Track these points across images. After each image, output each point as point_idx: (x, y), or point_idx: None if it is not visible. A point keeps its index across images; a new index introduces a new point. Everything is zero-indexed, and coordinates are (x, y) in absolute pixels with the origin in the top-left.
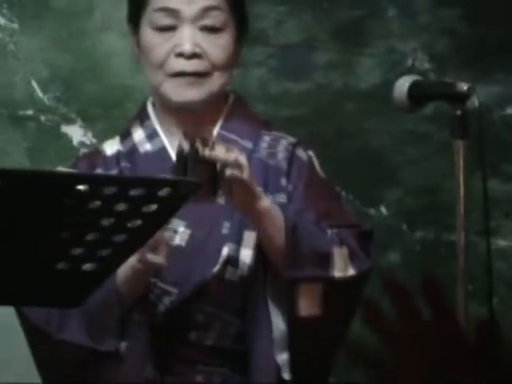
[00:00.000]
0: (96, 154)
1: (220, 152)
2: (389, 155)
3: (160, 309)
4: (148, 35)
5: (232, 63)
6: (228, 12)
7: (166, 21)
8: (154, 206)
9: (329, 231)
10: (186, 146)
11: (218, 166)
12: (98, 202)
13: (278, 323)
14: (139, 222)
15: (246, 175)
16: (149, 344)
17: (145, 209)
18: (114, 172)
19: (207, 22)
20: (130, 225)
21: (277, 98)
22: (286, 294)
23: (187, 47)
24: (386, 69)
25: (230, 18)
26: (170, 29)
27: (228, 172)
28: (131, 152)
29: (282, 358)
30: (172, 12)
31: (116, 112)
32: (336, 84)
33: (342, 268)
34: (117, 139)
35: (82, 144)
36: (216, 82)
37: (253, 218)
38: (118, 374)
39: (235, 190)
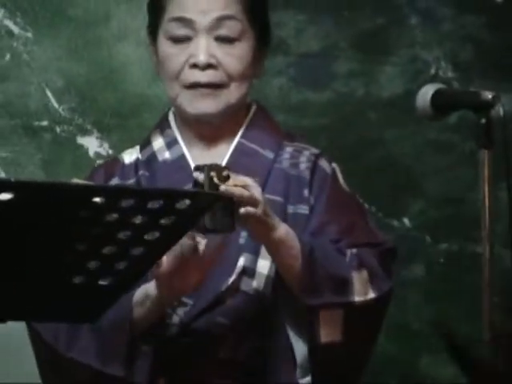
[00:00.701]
0: (114, 162)
1: (235, 188)
2: (412, 165)
3: (174, 320)
4: (164, 46)
5: (250, 74)
6: (246, 22)
7: (182, 31)
8: (172, 218)
9: (348, 252)
10: (200, 177)
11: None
12: (114, 215)
13: (299, 347)
14: (157, 234)
15: (260, 210)
16: (151, 375)
17: (163, 221)
18: (131, 180)
19: (222, 32)
20: (147, 237)
21: (297, 107)
22: (305, 320)
23: (201, 58)
24: (408, 77)
25: (248, 28)
26: (186, 40)
27: (242, 210)
28: (150, 160)
29: (305, 381)
30: (187, 22)
31: (132, 122)
32: (358, 93)
33: (362, 292)
34: (137, 148)
35: (99, 155)
36: (233, 93)
37: (268, 248)
38: None
39: (250, 224)
